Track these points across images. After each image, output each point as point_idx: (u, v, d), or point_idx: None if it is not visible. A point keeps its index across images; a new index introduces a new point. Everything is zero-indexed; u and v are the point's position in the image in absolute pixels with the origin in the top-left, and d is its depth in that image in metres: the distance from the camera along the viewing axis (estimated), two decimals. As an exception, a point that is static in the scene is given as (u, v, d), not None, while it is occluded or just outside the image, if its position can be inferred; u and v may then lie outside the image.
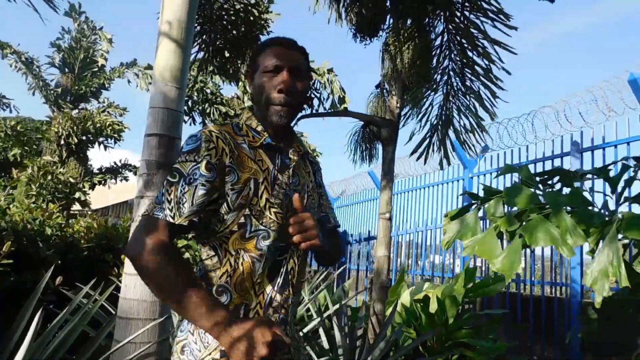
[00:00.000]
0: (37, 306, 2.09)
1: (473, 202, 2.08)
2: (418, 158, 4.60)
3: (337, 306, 3.57)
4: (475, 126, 4.29)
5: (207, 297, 1.06)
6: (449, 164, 4.54)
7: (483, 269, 5.95)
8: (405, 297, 4.55)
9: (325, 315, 3.46)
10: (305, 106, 6.90)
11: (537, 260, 5.65)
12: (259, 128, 1.27)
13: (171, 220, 1.10)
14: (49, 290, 2.69)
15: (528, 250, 5.26)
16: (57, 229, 3.15)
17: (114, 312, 2.12)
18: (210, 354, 1.12)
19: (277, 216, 1.19)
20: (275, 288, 1.20)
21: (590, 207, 1.63)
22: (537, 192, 1.81)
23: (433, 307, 4.23)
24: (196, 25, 4.89)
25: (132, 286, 1.99)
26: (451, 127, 4.42)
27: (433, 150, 4.58)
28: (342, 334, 3.39)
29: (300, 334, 3.08)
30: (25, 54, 11.15)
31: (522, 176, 1.90)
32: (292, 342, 1.24)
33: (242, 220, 1.16)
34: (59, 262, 2.87)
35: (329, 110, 6.85)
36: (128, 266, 2.05)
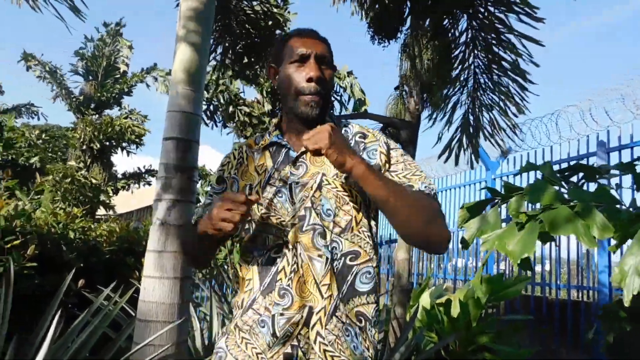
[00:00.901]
0: (59, 309, 2.12)
1: (493, 198, 2.02)
2: (446, 160, 4.52)
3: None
4: (507, 123, 4.17)
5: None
6: (477, 162, 4.44)
7: (507, 272, 5.83)
8: (425, 299, 4.47)
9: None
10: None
11: (563, 264, 5.51)
12: (271, 129, 1.30)
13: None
14: (71, 292, 2.74)
15: (554, 253, 5.14)
16: (80, 232, 3.20)
17: (134, 315, 2.14)
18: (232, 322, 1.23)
19: (262, 217, 1.19)
20: (260, 288, 1.16)
21: (617, 205, 1.57)
22: (561, 189, 1.76)
23: (455, 310, 4.15)
24: (214, 32, 4.93)
25: (151, 289, 2.00)
26: (480, 126, 4.31)
27: (463, 150, 4.45)
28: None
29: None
30: (49, 63, 11.48)
31: (544, 173, 1.85)
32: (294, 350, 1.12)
33: (246, 226, 1.23)
34: (82, 265, 2.91)
35: (350, 113, 6.83)
36: (147, 269, 2.06)
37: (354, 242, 1.16)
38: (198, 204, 1.37)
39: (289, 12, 5.92)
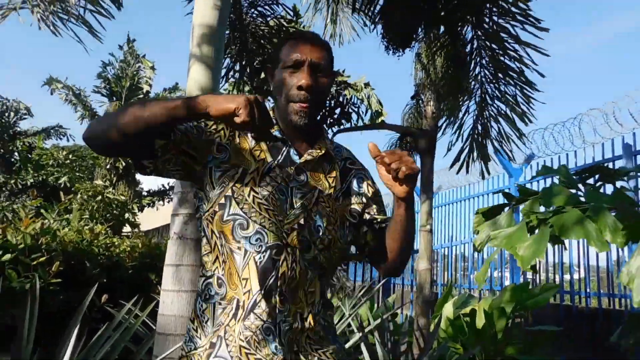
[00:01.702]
0: (83, 323, 2.17)
1: (508, 203, 1.99)
2: (458, 170, 4.50)
3: (378, 321, 3.50)
4: (514, 132, 4.16)
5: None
6: (488, 173, 4.41)
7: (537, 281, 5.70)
8: (448, 308, 4.40)
9: (367, 330, 3.40)
10: (343, 120, 6.92)
11: (592, 271, 5.36)
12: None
13: None
14: (95, 307, 2.80)
15: (582, 260, 5.00)
16: (103, 249, 3.28)
17: (155, 329, 2.17)
18: (207, 337, 1.10)
19: (259, 206, 1.11)
20: (262, 291, 1.08)
21: (636, 208, 1.53)
22: (578, 192, 1.72)
23: (480, 321, 4.07)
24: (231, 49, 5.03)
25: (169, 302, 2.03)
26: (488, 135, 4.31)
27: (473, 160, 4.46)
28: (384, 349, 3.32)
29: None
30: (74, 86, 11.91)
31: (559, 176, 1.81)
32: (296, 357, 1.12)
33: (222, 200, 1.12)
34: (105, 280, 2.98)
35: (366, 124, 6.84)
36: (166, 282, 2.09)
37: (329, 260, 1.19)
38: None
39: (303, 26, 6.00)
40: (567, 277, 5.29)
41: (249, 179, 1.13)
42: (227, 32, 4.90)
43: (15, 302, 2.46)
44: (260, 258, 1.09)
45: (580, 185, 1.83)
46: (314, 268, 1.16)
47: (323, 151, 1.22)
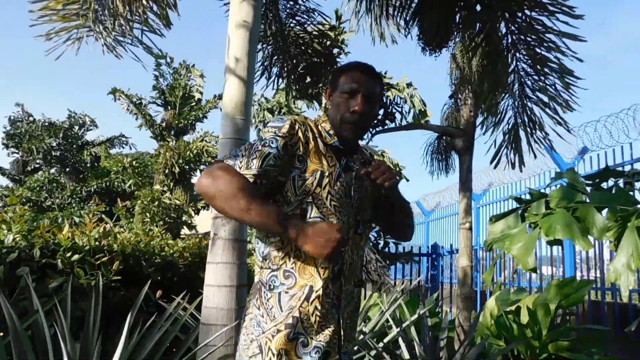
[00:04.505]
0: (139, 316, 2.46)
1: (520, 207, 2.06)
2: (496, 165, 4.50)
3: (415, 316, 3.59)
4: (559, 123, 4.09)
5: (276, 208, 1.29)
6: (524, 165, 4.35)
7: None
8: (491, 303, 4.39)
9: (404, 325, 3.50)
10: (386, 121, 7.00)
11: None
12: (331, 132, 1.45)
13: (239, 170, 1.29)
14: (151, 303, 3.10)
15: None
16: (158, 250, 3.60)
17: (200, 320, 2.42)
18: (275, 325, 1.29)
19: (334, 208, 1.36)
20: (331, 275, 1.34)
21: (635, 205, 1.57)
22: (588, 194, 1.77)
23: (525, 318, 4.05)
24: (273, 57, 5.27)
25: (211, 296, 2.27)
26: (530, 128, 4.26)
27: (514, 154, 4.42)
28: (421, 344, 3.41)
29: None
30: (135, 95, 12.75)
31: (567, 179, 1.87)
32: (346, 333, 1.39)
33: (304, 205, 1.35)
34: (159, 278, 3.28)
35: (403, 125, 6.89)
36: (208, 277, 2.33)
37: (362, 249, 1.50)
38: (239, 151, 1.36)
39: (346, 31, 6.13)
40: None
41: (325, 182, 1.37)
42: (270, 41, 5.17)
43: (83, 296, 2.80)
44: None
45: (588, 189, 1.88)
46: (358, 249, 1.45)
47: (365, 159, 1.55)
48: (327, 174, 1.37)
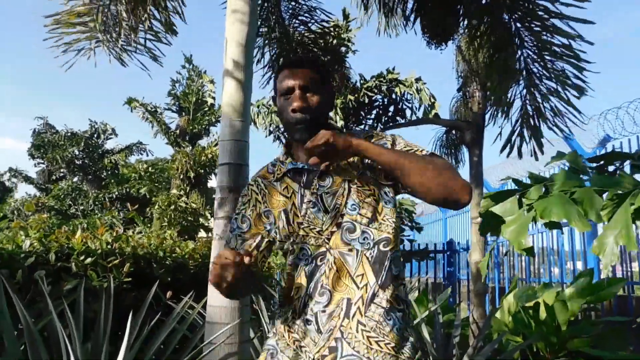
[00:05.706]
0: (149, 316, 2.52)
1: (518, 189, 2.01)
2: (508, 154, 4.41)
3: (426, 313, 3.57)
4: (569, 110, 3.98)
5: None
6: (542, 153, 4.24)
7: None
8: (509, 299, 4.32)
9: (414, 322, 3.48)
10: (397, 117, 6.95)
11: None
12: (282, 158, 1.40)
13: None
14: (161, 303, 3.16)
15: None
16: (168, 252, 3.66)
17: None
18: (321, 342, 1.25)
19: (305, 231, 1.30)
20: (308, 292, 1.28)
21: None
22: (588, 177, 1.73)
23: (543, 314, 3.97)
24: (277, 59, 5.30)
25: (215, 294, 2.30)
26: (540, 115, 4.15)
27: (526, 143, 4.32)
28: (433, 341, 3.39)
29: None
30: (150, 104, 13.01)
31: (568, 162, 1.83)
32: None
33: (294, 247, 1.32)
34: (169, 280, 3.34)
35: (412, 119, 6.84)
36: (212, 278, 2.36)
37: (382, 230, 1.28)
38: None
39: (350, 29, 6.14)
40: (635, 266, 4.98)
41: (292, 215, 1.32)
42: (275, 42, 5.20)
43: (96, 298, 2.87)
44: (308, 269, 1.29)
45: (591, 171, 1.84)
46: (366, 247, 1.27)
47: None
48: (289, 207, 1.32)
